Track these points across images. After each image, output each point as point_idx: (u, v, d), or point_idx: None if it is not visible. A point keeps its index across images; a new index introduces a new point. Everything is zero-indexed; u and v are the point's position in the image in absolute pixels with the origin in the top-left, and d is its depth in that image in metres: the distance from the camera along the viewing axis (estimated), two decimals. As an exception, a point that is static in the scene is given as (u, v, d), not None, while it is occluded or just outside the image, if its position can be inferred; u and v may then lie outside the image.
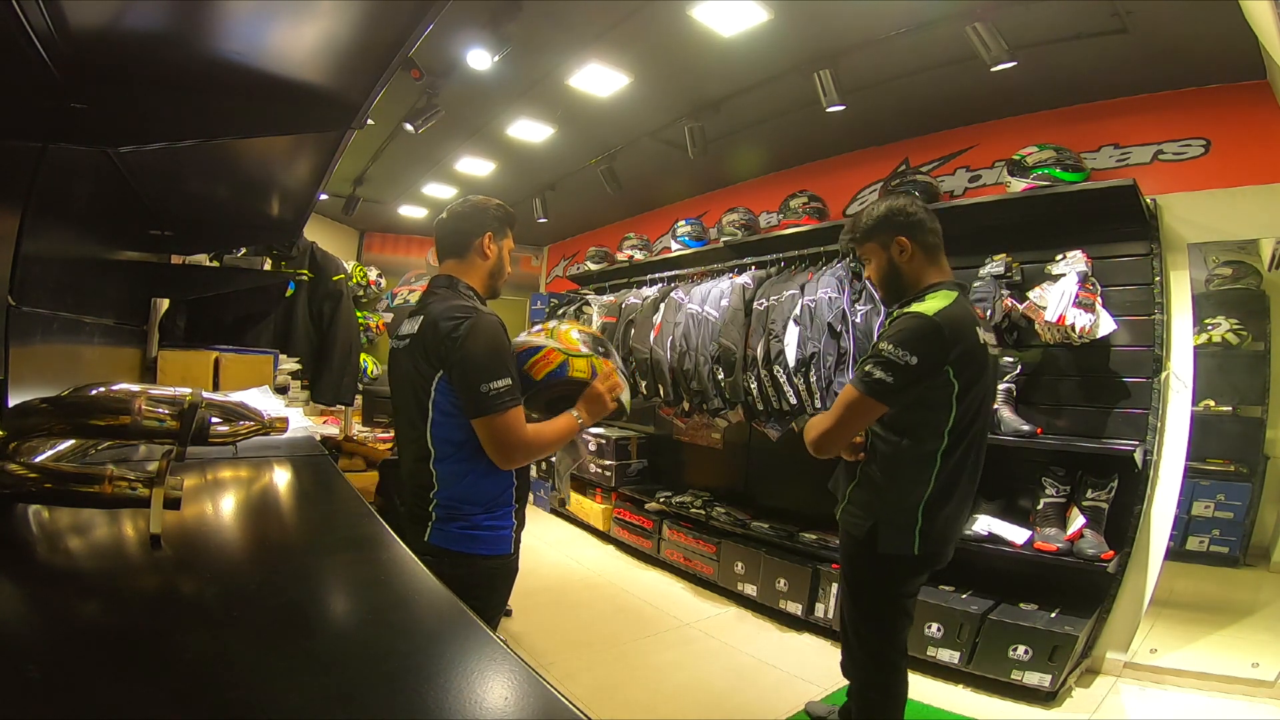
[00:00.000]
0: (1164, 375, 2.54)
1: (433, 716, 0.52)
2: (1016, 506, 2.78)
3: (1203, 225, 2.59)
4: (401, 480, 1.58)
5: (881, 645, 1.76)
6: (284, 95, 1.32)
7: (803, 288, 3.03)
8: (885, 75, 2.88)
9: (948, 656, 2.59)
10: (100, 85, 1.18)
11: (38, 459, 0.99)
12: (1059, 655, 2.38)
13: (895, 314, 1.63)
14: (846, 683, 1.91)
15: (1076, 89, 2.83)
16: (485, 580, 1.44)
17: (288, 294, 3.40)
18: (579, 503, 4.95)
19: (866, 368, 1.55)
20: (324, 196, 2.82)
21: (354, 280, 5.22)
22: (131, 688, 0.53)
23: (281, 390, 2.73)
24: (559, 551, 4.42)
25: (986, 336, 1.65)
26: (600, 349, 1.63)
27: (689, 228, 4.28)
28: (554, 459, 4.92)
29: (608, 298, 4.54)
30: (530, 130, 3.83)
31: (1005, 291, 2.76)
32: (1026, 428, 2.64)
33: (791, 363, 2.91)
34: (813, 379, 2.85)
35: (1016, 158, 2.75)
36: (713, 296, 3.45)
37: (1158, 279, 2.57)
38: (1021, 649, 2.44)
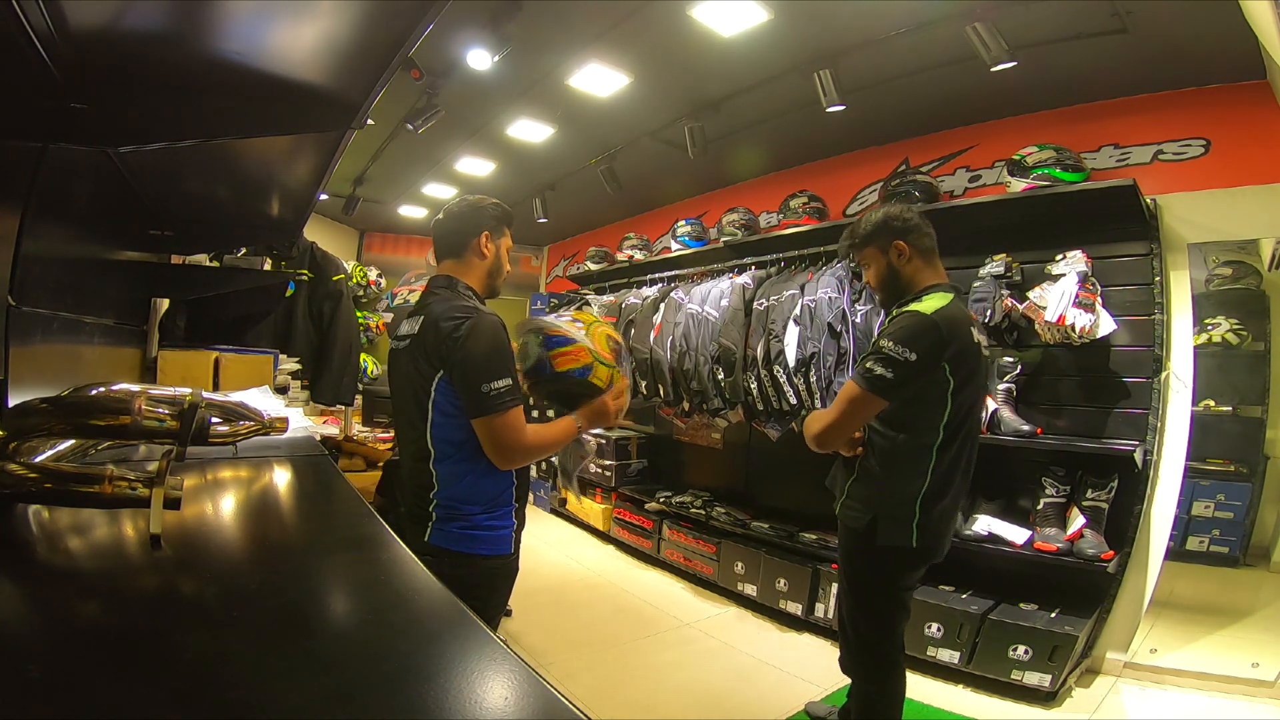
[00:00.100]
0: (1164, 375, 2.54)
1: (433, 716, 0.52)
2: (1016, 506, 2.78)
3: (1203, 225, 2.59)
4: (402, 480, 1.58)
5: (880, 640, 1.79)
6: (284, 95, 1.31)
7: (803, 288, 3.03)
8: (885, 75, 2.88)
9: (948, 656, 2.59)
10: (100, 85, 1.18)
11: (38, 459, 0.99)
12: (1059, 655, 2.38)
13: (895, 313, 1.70)
14: (846, 683, 1.92)
15: (1076, 89, 2.83)
16: (485, 580, 1.44)
17: (288, 294, 3.40)
18: (579, 503, 4.95)
19: (868, 364, 1.61)
20: (324, 196, 2.82)
21: (354, 280, 5.22)
22: (131, 688, 0.53)
23: (281, 390, 2.73)
24: (559, 551, 4.42)
25: (980, 336, 1.72)
26: (621, 363, 1.63)
27: (689, 228, 4.28)
28: (555, 459, 4.91)
29: (608, 298, 4.54)
30: (530, 130, 3.83)
31: (1005, 291, 2.76)
32: (1026, 428, 2.64)
33: (791, 363, 2.91)
34: (813, 379, 2.85)
35: (1016, 158, 2.75)
36: (713, 296, 3.45)
37: (1158, 279, 2.57)
38: (1021, 649, 2.44)
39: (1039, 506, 2.63)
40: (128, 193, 1.89)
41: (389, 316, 5.75)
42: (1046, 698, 2.43)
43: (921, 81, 2.89)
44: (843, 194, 3.79)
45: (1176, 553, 3.41)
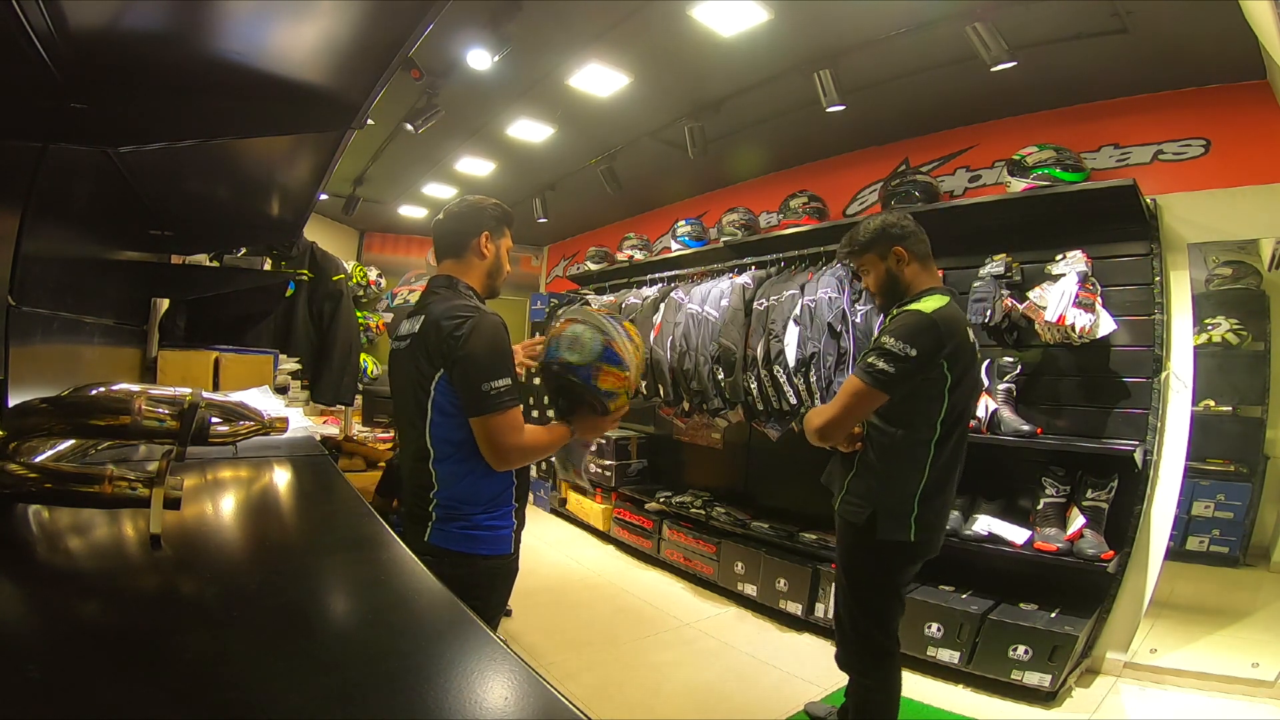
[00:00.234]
0: (1164, 375, 2.54)
1: (433, 716, 0.52)
2: (1016, 506, 2.78)
3: (1203, 225, 2.59)
4: (403, 480, 1.59)
5: (876, 633, 1.82)
6: (284, 95, 1.31)
7: (803, 288, 3.03)
8: (885, 75, 2.88)
9: (948, 656, 2.59)
10: (100, 85, 1.18)
11: (38, 459, 0.99)
12: (1059, 655, 2.38)
13: (895, 313, 1.75)
14: (846, 683, 1.92)
15: (1076, 89, 2.83)
16: (485, 580, 1.44)
17: (288, 294, 3.41)
18: (579, 503, 4.95)
19: (870, 359, 1.67)
20: (324, 196, 2.81)
21: (354, 280, 5.23)
22: (131, 688, 0.53)
23: (281, 390, 2.73)
24: (559, 551, 4.42)
25: (974, 338, 1.79)
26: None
27: (689, 228, 4.28)
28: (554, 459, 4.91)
29: (608, 298, 4.55)
30: (530, 130, 3.83)
31: (1005, 291, 2.76)
32: (1026, 428, 2.64)
33: (791, 363, 2.91)
34: (813, 379, 2.85)
35: (1016, 158, 2.75)
36: (713, 296, 3.45)
37: (1158, 279, 2.57)
38: (1021, 649, 2.44)
39: (1039, 506, 2.63)
40: (128, 193, 1.89)
41: (389, 316, 5.76)
42: (1046, 698, 2.43)
43: (921, 81, 2.89)
44: (843, 194, 3.79)
45: (1176, 553, 3.41)
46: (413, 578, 0.86)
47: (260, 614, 0.70)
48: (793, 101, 3.16)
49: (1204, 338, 4.10)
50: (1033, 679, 2.41)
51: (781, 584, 3.26)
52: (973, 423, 2.64)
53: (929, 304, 1.69)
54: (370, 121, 1.46)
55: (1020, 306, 2.69)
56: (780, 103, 3.23)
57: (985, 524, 2.68)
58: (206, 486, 1.26)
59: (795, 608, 3.18)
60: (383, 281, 6.04)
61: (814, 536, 3.26)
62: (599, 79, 3.12)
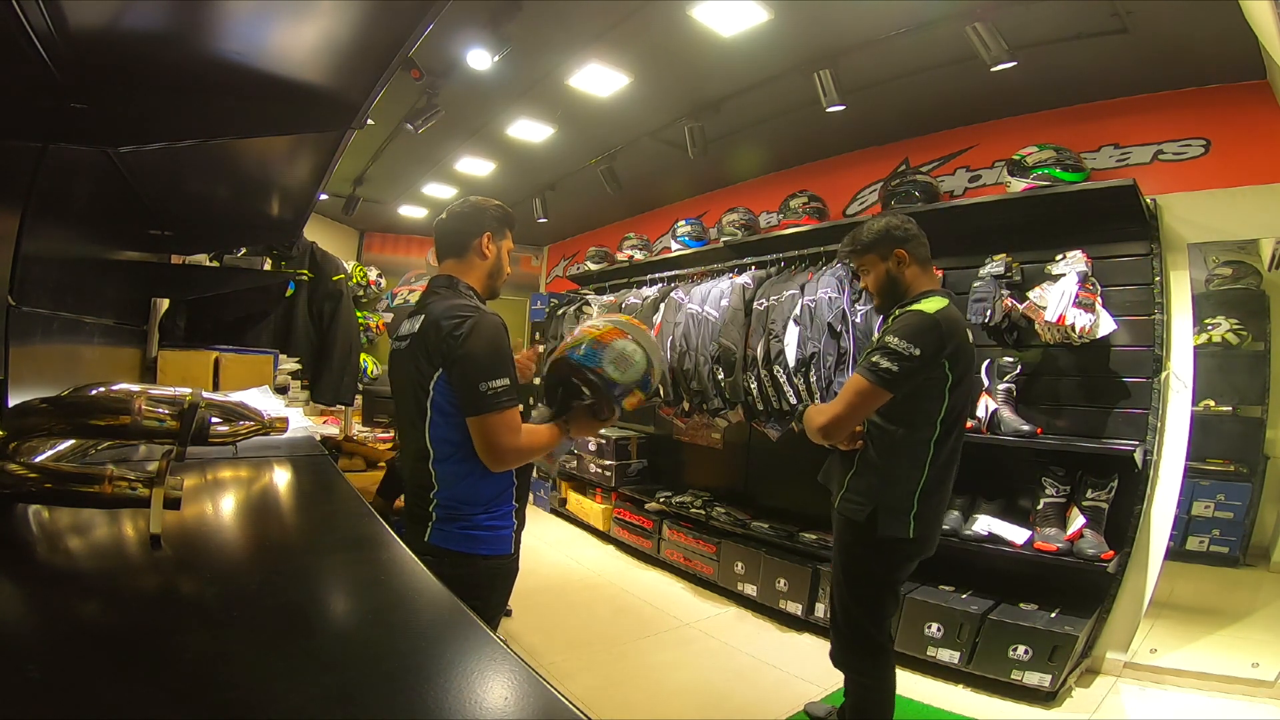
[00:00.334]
0: (1164, 375, 2.54)
1: (433, 716, 0.52)
2: (1016, 506, 2.78)
3: (1203, 225, 2.59)
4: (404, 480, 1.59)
5: (871, 628, 1.84)
6: (284, 95, 1.31)
7: (803, 288, 3.03)
8: (885, 75, 2.87)
9: (948, 656, 2.59)
10: (100, 85, 1.18)
11: (38, 459, 0.99)
12: (1059, 655, 2.38)
13: (897, 313, 1.77)
14: (843, 681, 1.93)
15: (1076, 89, 2.83)
16: (485, 580, 1.44)
17: (288, 294, 3.40)
18: (579, 503, 4.95)
19: (874, 358, 1.69)
20: (324, 196, 2.82)
21: (354, 280, 5.22)
22: (131, 688, 0.53)
23: (281, 390, 2.73)
24: (559, 551, 4.42)
25: (971, 338, 1.83)
26: None
27: (689, 228, 4.28)
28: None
29: (608, 298, 4.55)
30: (530, 130, 3.82)
31: (1005, 291, 2.76)
32: (1026, 428, 2.64)
33: (791, 363, 2.91)
34: (813, 379, 2.85)
35: (1016, 158, 2.75)
36: (713, 296, 3.45)
37: (1158, 279, 2.57)
38: (1021, 649, 2.44)
39: (1039, 506, 2.63)
40: (128, 193, 1.89)
41: (389, 316, 5.75)
42: (1046, 698, 2.43)
43: (921, 81, 2.89)
44: (843, 194, 3.79)
45: (1176, 553, 3.41)
46: (413, 578, 0.86)
47: (260, 614, 0.70)
48: (793, 101, 3.16)
49: (1204, 338, 4.10)
50: (1033, 679, 2.41)
51: (781, 584, 3.26)
52: (972, 423, 2.65)
53: (931, 305, 1.72)
54: (370, 121, 1.46)
55: (1020, 306, 2.69)
56: (780, 103, 3.23)
57: (985, 524, 2.68)
58: (206, 486, 1.26)
59: (795, 608, 3.18)
60: (383, 281, 6.03)
61: (814, 536, 3.26)
62: (599, 79, 3.12)
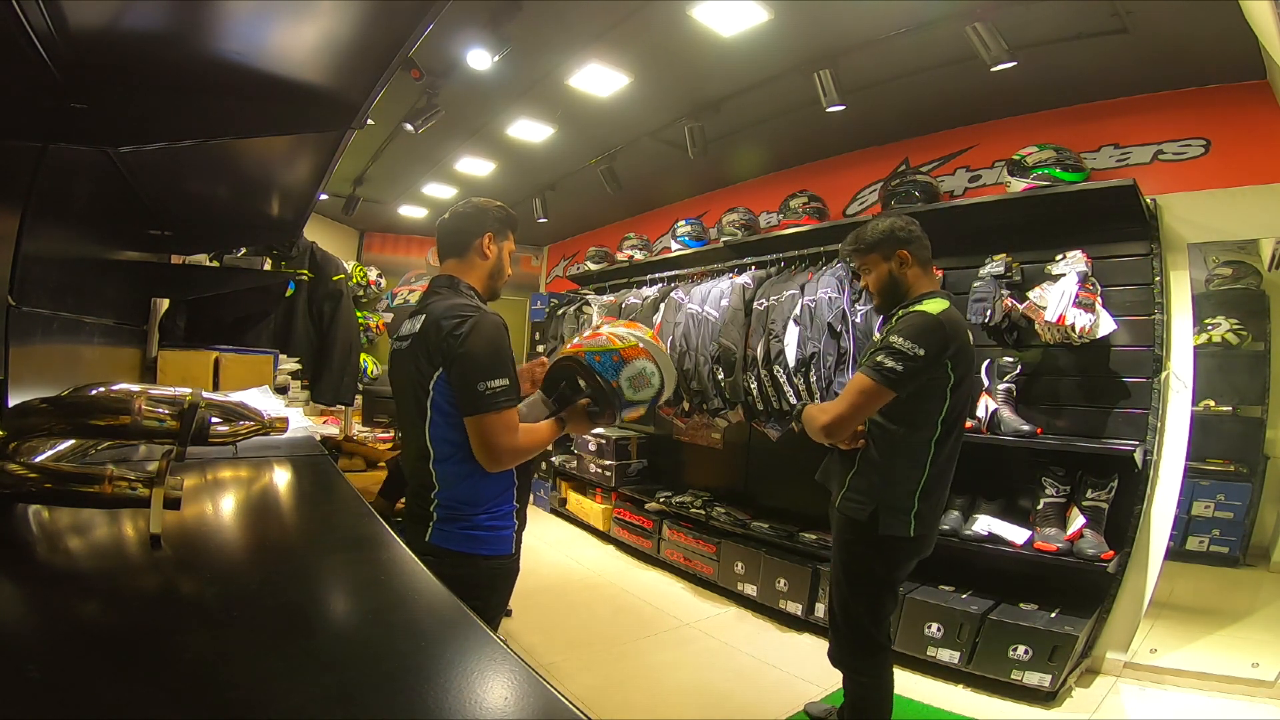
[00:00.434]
0: (1164, 375, 2.54)
1: (433, 716, 0.52)
2: (1016, 506, 2.78)
3: (1203, 225, 2.59)
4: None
5: (871, 628, 1.84)
6: (284, 95, 1.31)
7: (803, 288, 3.03)
8: (885, 75, 2.88)
9: (948, 656, 2.59)
10: (100, 85, 1.18)
11: (38, 459, 0.99)
12: (1059, 655, 2.38)
13: (899, 314, 1.79)
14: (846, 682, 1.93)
15: (1076, 89, 2.83)
16: (486, 581, 1.44)
17: (288, 294, 3.41)
18: (579, 503, 4.95)
19: (879, 358, 1.69)
20: (324, 196, 2.82)
21: (354, 280, 5.22)
22: (131, 688, 0.52)
23: (281, 390, 2.73)
24: (559, 551, 4.42)
25: (972, 339, 1.84)
26: None
27: (689, 228, 4.28)
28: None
29: (608, 298, 4.55)
30: (530, 130, 3.83)
31: (1005, 291, 2.76)
32: (1026, 428, 2.64)
33: (791, 363, 2.91)
34: (813, 379, 2.85)
35: (1016, 158, 2.75)
36: (713, 296, 3.45)
37: (1158, 279, 2.57)
38: (1021, 649, 2.44)
39: (1039, 506, 2.63)
40: (128, 193, 1.89)
41: (389, 316, 5.75)
42: (1046, 698, 2.43)
43: (921, 81, 2.89)
44: (843, 194, 3.79)
45: (1176, 553, 3.40)
46: (413, 578, 0.85)
47: (260, 614, 0.70)
48: (793, 101, 3.16)
49: (1204, 338, 4.10)
50: (1033, 679, 2.41)
51: (781, 584, 3.26)
52: (972, 423, 2.65)
53: (933, 306, 1.73)
54: (370, 121, 1.46)
55: (1020, 306, 2.69)
56: (780, 103, 3.23)
57: (985, 524, 2.68)
58: (206, 486, 1.26)
59: (795, 608, 3.18)
60: (383, 281, 6.03)
61: (814, 536, 3.26)
62: (599, 79, 3.12)
